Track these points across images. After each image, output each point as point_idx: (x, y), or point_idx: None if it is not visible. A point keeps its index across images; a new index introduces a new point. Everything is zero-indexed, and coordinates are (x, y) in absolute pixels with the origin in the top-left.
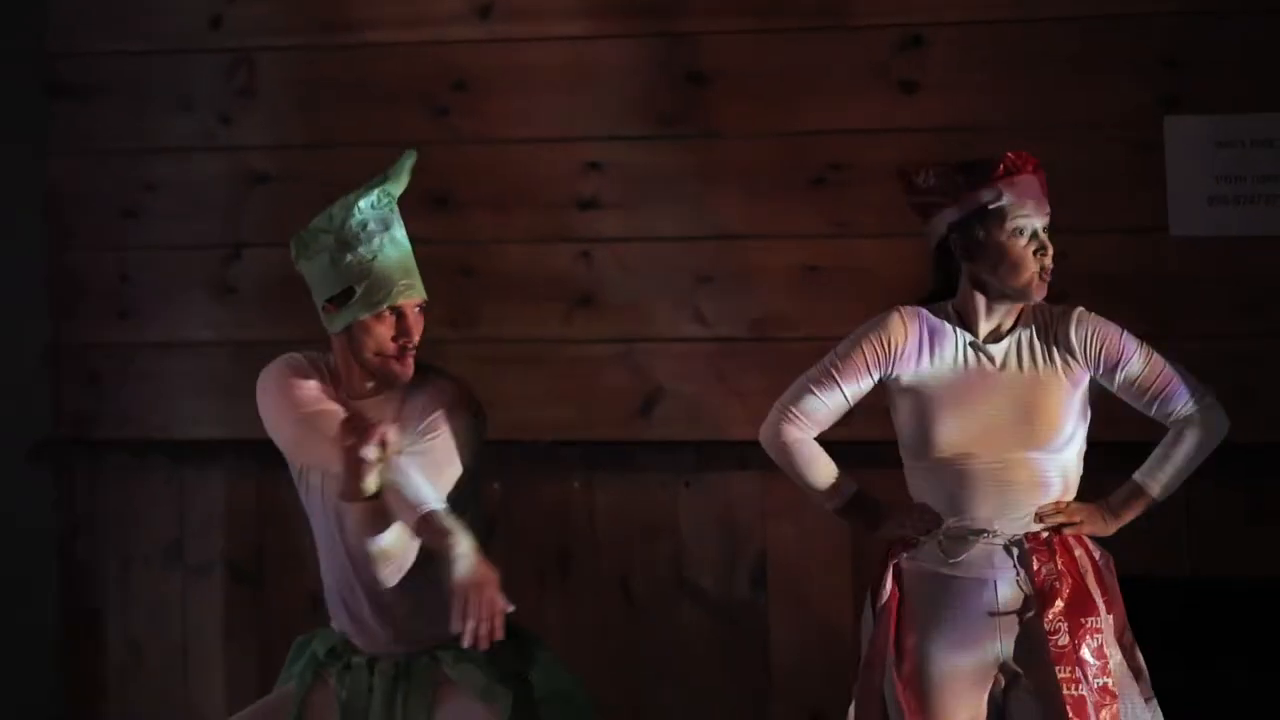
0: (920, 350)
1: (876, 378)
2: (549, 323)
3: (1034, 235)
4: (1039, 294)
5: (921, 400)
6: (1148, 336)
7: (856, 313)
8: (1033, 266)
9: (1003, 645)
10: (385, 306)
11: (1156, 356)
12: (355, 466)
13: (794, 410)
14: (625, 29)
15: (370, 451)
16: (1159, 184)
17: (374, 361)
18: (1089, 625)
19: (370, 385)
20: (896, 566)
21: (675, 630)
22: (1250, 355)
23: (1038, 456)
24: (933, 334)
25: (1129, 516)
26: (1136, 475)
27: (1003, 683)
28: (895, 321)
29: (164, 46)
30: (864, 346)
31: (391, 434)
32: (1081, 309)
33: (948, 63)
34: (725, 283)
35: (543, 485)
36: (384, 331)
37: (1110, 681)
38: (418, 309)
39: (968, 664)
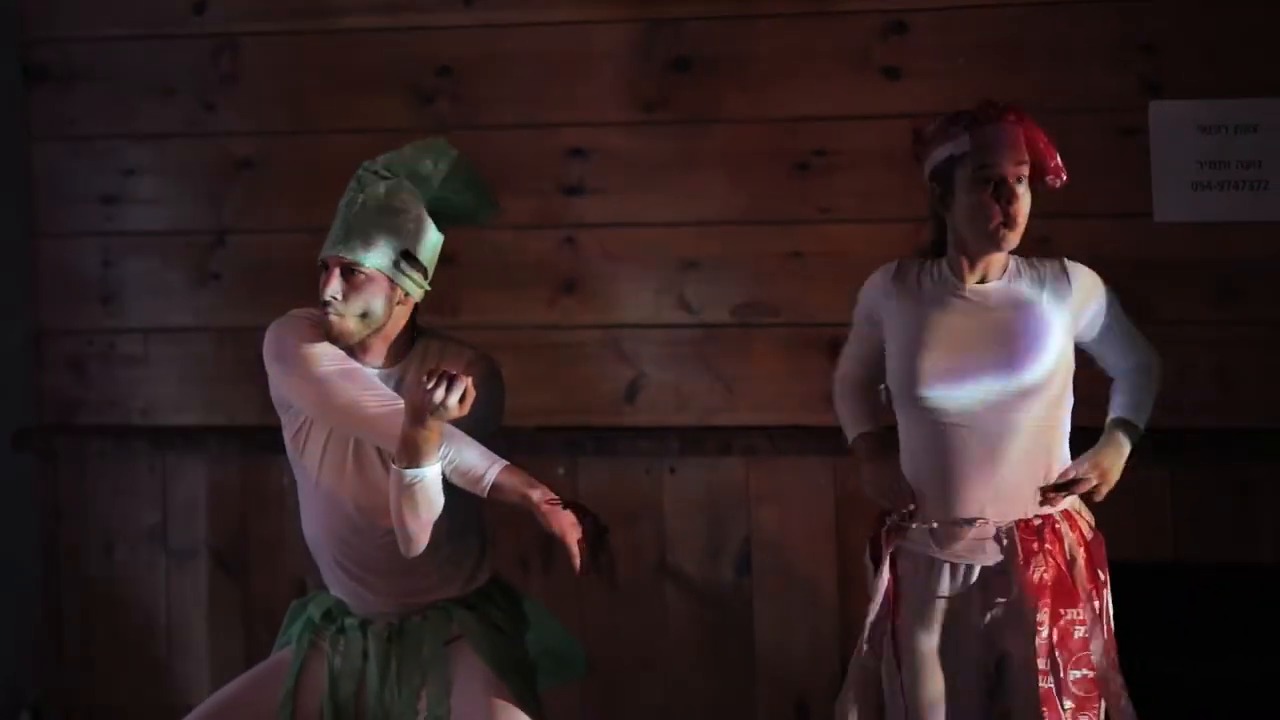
0: (906, 295)
1: (874, 329)
2: (533, 309)
3: (1000, 183)
4: (1004, 244)
5: (904, 338)
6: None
7: (840, 298)
8: (997, 216)
9: (990, 630)
10: (320, 258)
11: (1125, 317)
12: (423, 421)
13: (841, 371)
14: (609, 15)
15: (453, 399)
16: (1142, 169)
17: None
18: (1068, 617)
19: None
20: (893, 549)
21: (660, 615)
22: (1233, 340)
23: (1026, 403)
24: (918, 278)
25: (1127, 450)
26: (1118, 412)
27: (994, 664)
28: (875, 277)
29: (146, 31)
30: (860, 308)
31: (472, 385)
32: (1069, 259)
33: (930, 49)
34: (709, 268)
35: (526, 471)
36: (321, 284)
37: (1085, 674)
38: (340, 269)
39: (954, 647)
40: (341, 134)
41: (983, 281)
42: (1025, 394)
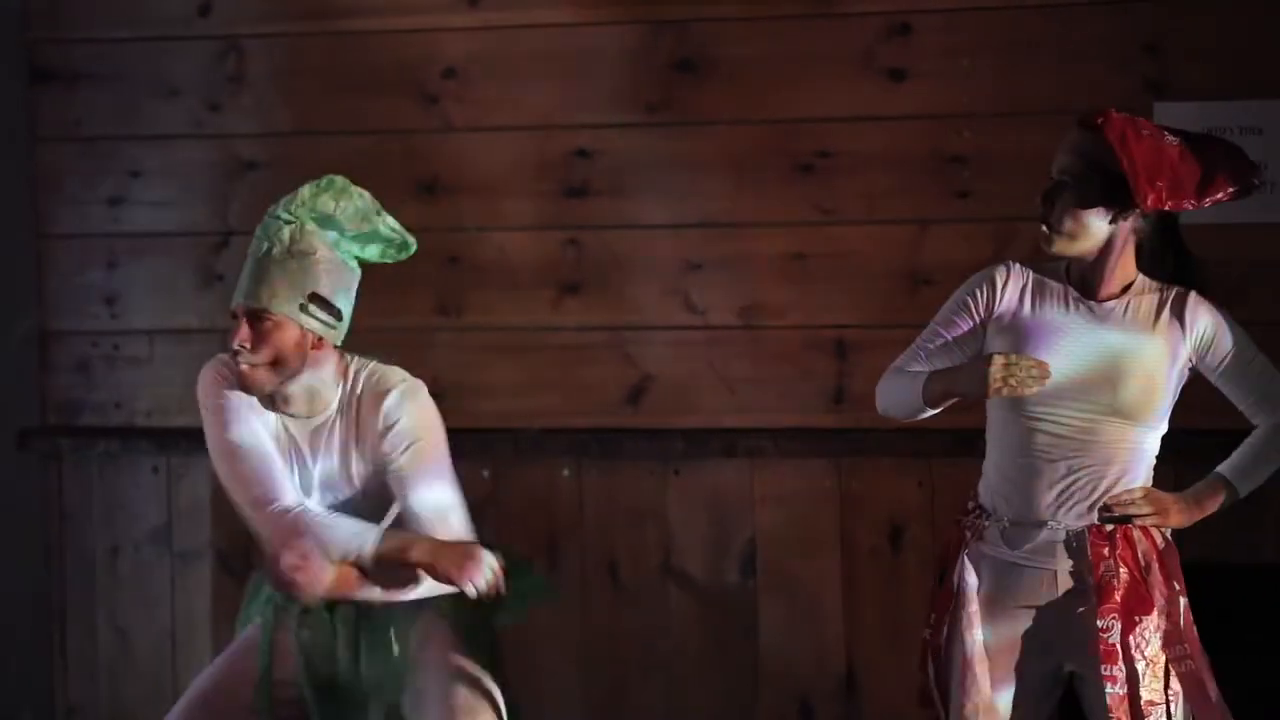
0: (1024, 295)
1: (979, 319)
2: (537, 310)
3: (1050, 186)
4: (1045, 246)
5: (1019, 340)
6: None
7: (843, 300)
8: (1042, 219)
9: (1060, 635)
10: (231, 307)
11: (1261, 354)
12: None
13: (896, 365)
14: (613, 16)
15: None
16: None
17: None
18: (1143, 624)
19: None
20: (965, 551)
21: (664, 617)
22: None
23: (1118, 426)
24: (1037, 284)
25: (1209, 510)
26: (1223, 469)
27: (1067, 669)
28: (1000, 269)
29: (152, 33)
30: (967, 294)
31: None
32: (1196, 293)
33: (934, 50)
34: (713, 270)
35: (531, 473)
36: (230, 335)
37: (1159, 683)
38: (247, 317)
39: (1029, 651)
40: (347, 135)
41: (1105, 297)
42: (1120, 416)
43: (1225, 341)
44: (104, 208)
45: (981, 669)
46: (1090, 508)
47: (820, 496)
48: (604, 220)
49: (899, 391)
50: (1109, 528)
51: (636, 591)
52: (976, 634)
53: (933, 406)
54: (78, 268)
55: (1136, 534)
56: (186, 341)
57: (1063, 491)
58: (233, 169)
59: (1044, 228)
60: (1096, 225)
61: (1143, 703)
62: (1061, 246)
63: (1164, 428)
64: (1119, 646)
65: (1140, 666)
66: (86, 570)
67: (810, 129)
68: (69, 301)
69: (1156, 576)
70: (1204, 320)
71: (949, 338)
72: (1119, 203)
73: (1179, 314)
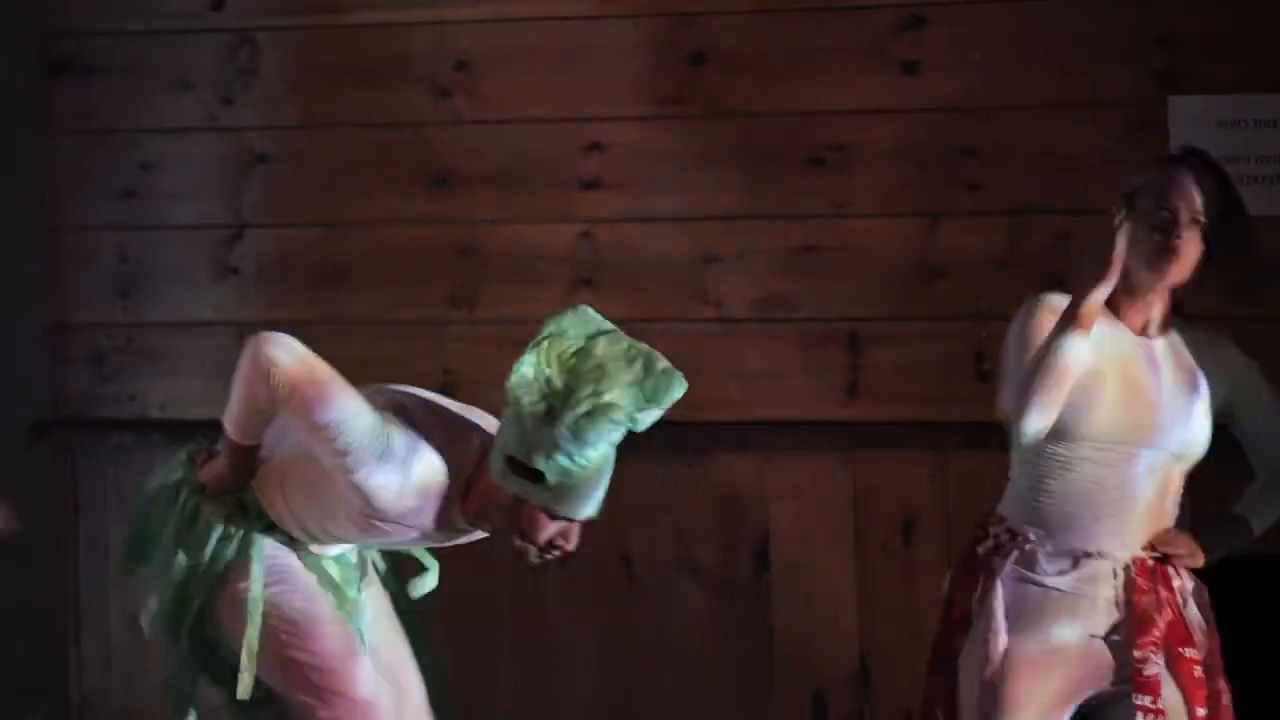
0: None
1: None
2: (550, 303)
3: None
4: (1161, 263)
5: (1086, 377)
6: None
7: (855, 293)
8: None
9: (1088, 662)
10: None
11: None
12: None
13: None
14: (626, 9)
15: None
16: (1162, 164)
17: (517, 540)
18: (1188, 655)
19: (468, 519)
20: (996, 571)
21: (677, 610)
22: (1254, 335)
23: (1166, 461)
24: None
25: (1224, 550)
26: (1240, 509)
27: (1087, 696)
28: (1046, 297)
29: (165, 26)
30: (1031, 320)
31: None
32: (1226, 336)
33: (948, 43)
34: (726, 263)
35: None
36: (548, 530)
37: (1204, 712)
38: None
39: (1055, 677)
40: (359, 129)
41: (1144, 331)
42: (1172, 456)
43: (1255, 383)
44: (117, 200)
45: (1004, 689)
46: (1136, 541)
47: (833, 489)
48: (617, 213)
49: (1029, 377)
50: (1150, 561)
51: (650, 584)
52: (1001, 649)
53: (1082, 328)
54: (91, 260)
55: (1171, 570)
56: (200, 334)
57: (1113, 523)
58: (246, 162)
59: (1168, 251)
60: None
61: None
62: (1173, 276)
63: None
64: (1157, 679)
65: (1178, 699)
66: (100, 562)
67: (823, 122)
68: (83, 294)
69: (1194, 612)
70: (1236, 359)
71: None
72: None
73: (1213, 352)
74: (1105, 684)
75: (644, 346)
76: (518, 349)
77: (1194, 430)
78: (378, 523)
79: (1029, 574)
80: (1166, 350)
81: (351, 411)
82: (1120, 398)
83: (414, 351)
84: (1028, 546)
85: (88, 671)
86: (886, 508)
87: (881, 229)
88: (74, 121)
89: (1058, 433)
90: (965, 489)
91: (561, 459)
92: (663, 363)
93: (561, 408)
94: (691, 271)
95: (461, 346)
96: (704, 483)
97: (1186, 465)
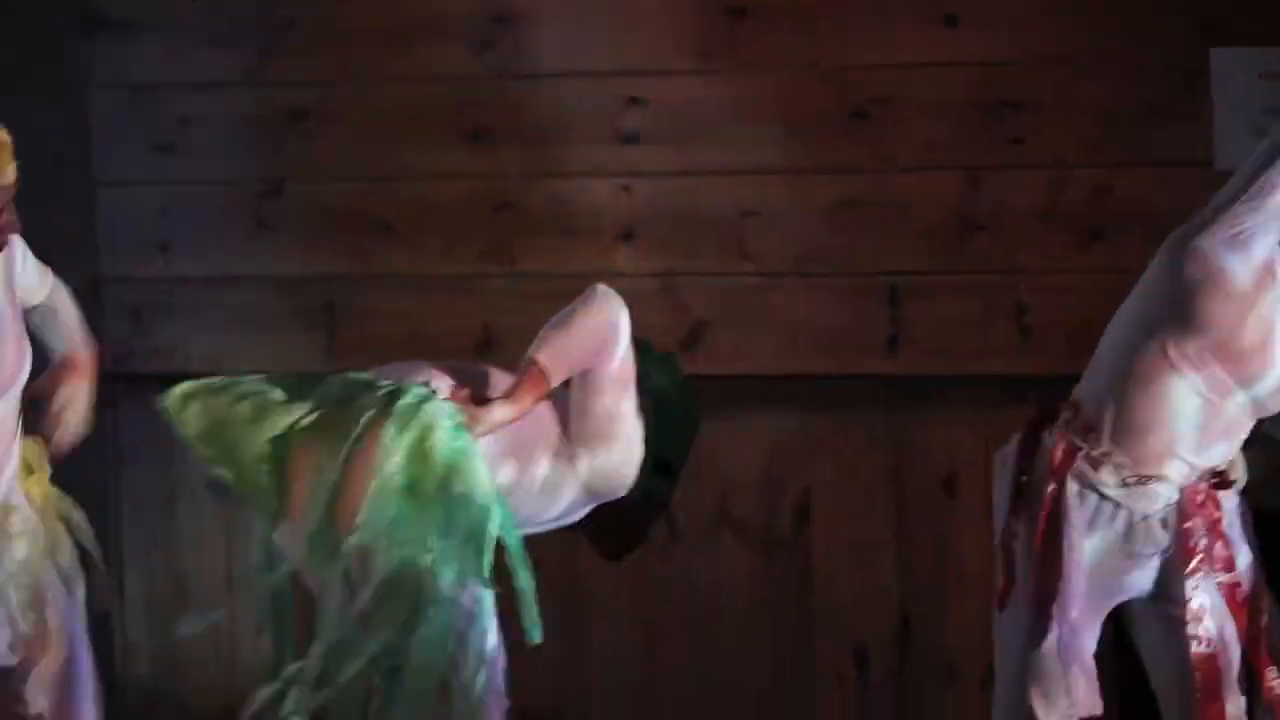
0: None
1: None
2: (589, 258)
3: None
4: None
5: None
6: None
7: (897, 247)
8: None
9: (1139, 581)
10: None
11: None
12: None
13: None
14: None
15: None
16: (1204, 116)
17: None
18: (1228, 580)
19: None
20: (1063, 480)
21: (717, 566)
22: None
23: (1254, 402)
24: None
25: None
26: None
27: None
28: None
29: None
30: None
31: None
32: None
33: None
34: (767, 217)
35: None
36: None
37: (1247, 635)
38: None
39: (1100, 587)
40: (398, 83)
41: None
42: (1266, 395)
43: None
44: (157, 155)
45: (1079, 584)
46: (1196, 471)
47: (875, 444)
48: (658, 167)
49: None
50: (1203, 486)
51: (691, 540)
52: (1082, 545)
53: None
54: (131, 215)
55: (1223, 495)
56: (239, 288)
57: (1193, 454)
58: (284, 117)
59: None
60: None
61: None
62: None
63: None
64: (1203, 609)
65: (1222, 622)
66: (143, 515)
67: (865, 75)
68: (123, 249)
69: (1237, 533)
70: None
71: None
72: None
73: None
74: (1144, 595)
75: None
76: (557, 304)
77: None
78: None
79: (1091, 478)
80: None
81: None
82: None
83: (452, 307)
84: (1095, 452)
85: (131, 625)
86: (927, 462)
87: (922, 183)
88: (113, 77)
89: (1208, 369)
90: (1005, 442)
91: None
92: None
93: None
94: (733, 225)
95: (499, 301)
96: (744, 438)
97: (1264, 413)
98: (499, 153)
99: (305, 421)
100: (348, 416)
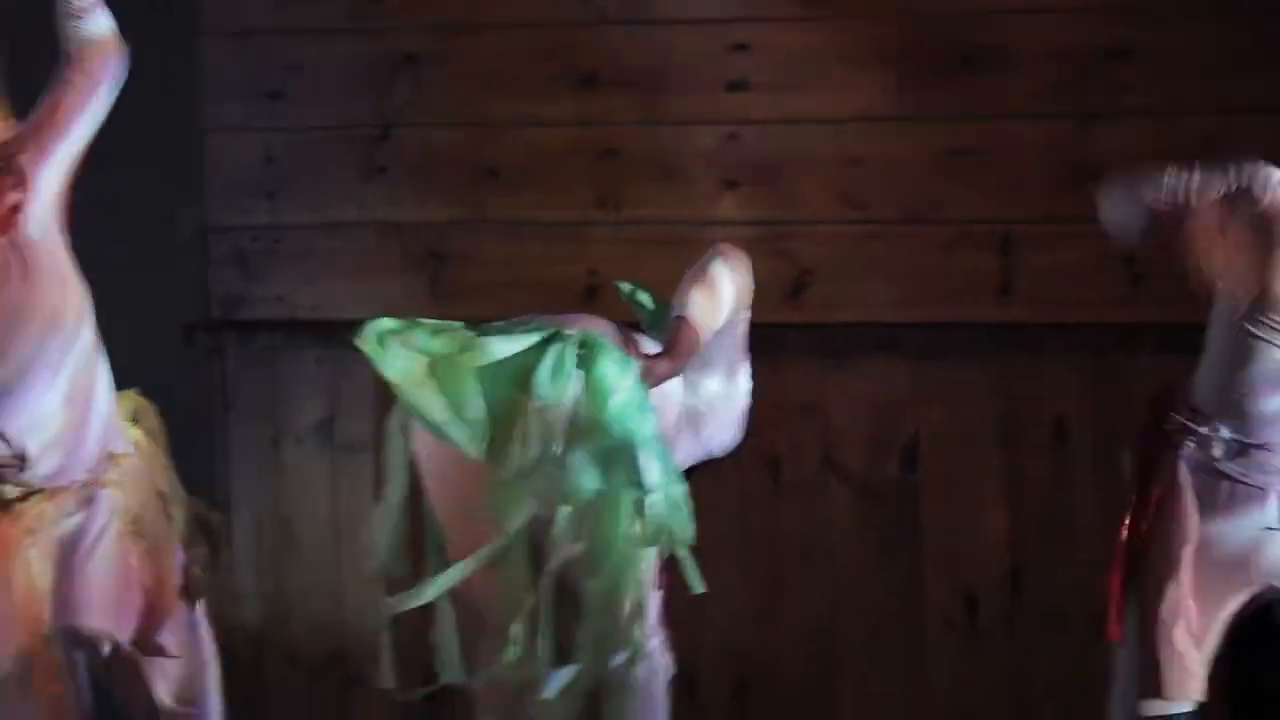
0: None
1: None
2: (695, 205)
3: None
4: None
5: None
6: None
7: (1006, 195)
8: None
9: (1256, 554)
10: None
11: None
12: None
13: None
14: None
15: None
16: None
17: None
18: None
19: None
20: (1178, 456)
21: (825, 513)
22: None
23: None
24: None
25: None
26: None
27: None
28: None
29: None
30: None
31: None
32: None
33: None
34: (873, 165)
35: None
36: None
37: None
38: None
39: (1226, 566)
40: (506, 28)
41: None
42: None
43: None
44: (265, 101)
45: (1188, 575)
46: None
47: (982, 392)
48: (764, 115)
49: None
50: None
51: (797, 488)
52: (1191, 536)
53: None
54: (239, 162)
55: None
56: (347, 234)
57: None
58: (393, 62)
59: None
60: None
61: None
62: None
63: None
64: None
65: None
66: (251, 462)
67: (973, 21)
68: (230, 196)
69: None
70: None
71: None
72: None
73: None
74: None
75: None
76: (663, 250)
77: None
78: None
79: (1204, 458)
80: None
81: None
82: None
83: (558, 253)
84: (1204, 430)
85: (239, 570)
86: (1037, 410)
87: (1032, 130)
88: (222, 23)
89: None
90: (1116, 391)
91: None
92: None
93: None
94: (839, 173)
95: (605, 247)
96: (852, 385)
97: None
98: (605, 99)
99: (506, 352)
100: (539, 354)
